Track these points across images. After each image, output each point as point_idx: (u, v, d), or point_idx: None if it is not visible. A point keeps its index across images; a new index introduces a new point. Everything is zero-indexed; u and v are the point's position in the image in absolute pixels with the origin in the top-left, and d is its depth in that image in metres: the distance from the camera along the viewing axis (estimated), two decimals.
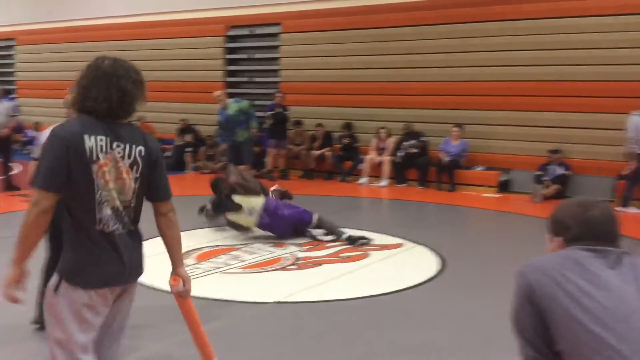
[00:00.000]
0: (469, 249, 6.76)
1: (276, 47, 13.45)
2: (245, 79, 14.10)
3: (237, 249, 6.37)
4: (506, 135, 10.90)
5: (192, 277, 5.25)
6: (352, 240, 6.63)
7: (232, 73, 14.28)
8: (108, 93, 2.35)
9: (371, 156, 11.45)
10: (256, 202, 6.66)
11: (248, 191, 6.77)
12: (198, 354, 2.97)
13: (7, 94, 16.78)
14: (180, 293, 2.74)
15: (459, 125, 10.90)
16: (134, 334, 4.09)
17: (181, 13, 15.13)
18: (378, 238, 6.93)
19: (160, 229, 2.64)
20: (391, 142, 11.39)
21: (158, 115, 14.63)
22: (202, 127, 13.63)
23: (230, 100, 10.82)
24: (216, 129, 12.59)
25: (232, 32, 14.17)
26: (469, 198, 10.08)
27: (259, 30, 13.81)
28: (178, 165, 12.94)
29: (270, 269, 5.74)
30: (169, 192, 2.62)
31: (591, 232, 1.87)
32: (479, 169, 10.99)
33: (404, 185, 11.21)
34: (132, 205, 2.49)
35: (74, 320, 2.37)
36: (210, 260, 5.94)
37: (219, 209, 6.88)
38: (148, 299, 4.89)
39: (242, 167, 10.93)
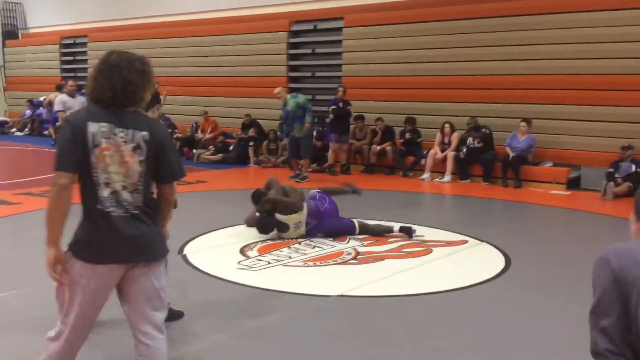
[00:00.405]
0: (535, 247, 6.57)
1: (339, 41, 13.45)
2: (308, 74, 14.17)
3: (298, 242, 6.41)
4: (576, 131, 10.54)
5: (255, 270, 5.41)
6: (407, 230, 6.65)
7: (295, 68, 14.38)
8: (112, 83, 2.54)
9: (434, 151, 11.29)
10: (300, 216, 6.50)
11: (290, 208, 6.48)
12: None
13: (59, 89, 17.49)
14: None
15: (526, 119, 10.61)
16: (195, 323, 4.20)
17: (247, 9, 15.36)
18: (441, 235, 6.84)
19: (158, 205, 2.78)
20: (455, 137, 11.20)
21: (224, 110, 14.93)
22: (265, 121, 13.80)
23: (288, 96, 10.90)
24: (279, 124, 12.71)
25: (295, 27, 14.26)
26: (536, 195, 9.80)
27: (322, 25, 13.85)
28: (241, 159, 13.15)
29: (332, 262, 5.76)
30: (176, 176, 2.76)
31: None
32: (548, 165, 10.68)
33: (467, 181, 11.01)
34: (140, 187, 2.62)
35: (72, 289, 2.60)
36: (272, 252, 6.01)
37: (266, 229, 6.52)
38: (211, 288, 5.00)
39: (301, 161, 11.04)
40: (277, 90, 11.02)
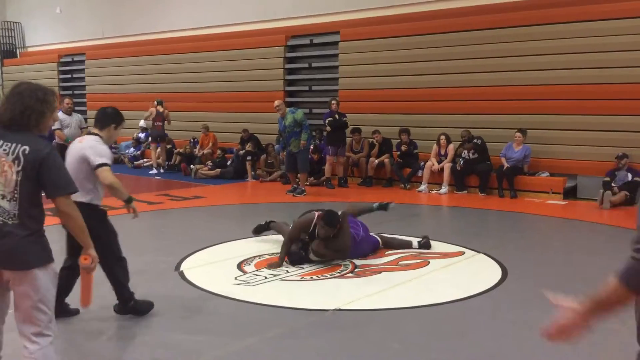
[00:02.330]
0: (532, 257, 6.59)
1: (335, 55, 13.54)
2: (305, 88, 14.25)
3: None
4: (572, 140, 10.59)
5: (252, 285, 5.42)
6: (425, 246, 6.62)
7: (291, 82, 14.46)
8: (13, 107, 2.89)
9: (430, 163, 11.33)
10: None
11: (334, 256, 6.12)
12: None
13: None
14: (88, 269, 3.20)
15: (521, 130, 10.66)
16: (192, 340, 4.20)
17: (243, 25, 15.46)
18: (438, 246, 6.85)
19: (61, 222, 3.07)
20: (451, 148, 11.25)
21: (221, 125, 14.99)
22: (262, 135, 13.85)
23: (287, 110, 10.94)
24: (277, 137, 12.76)
25: (292, 42, 14.36)
26: (533, 205, 9.83)
27: (318, 39, 13.95)
28: (239, 174, 13.18)
29: (329, 276, 5.77)
30: (60, 191, 2.92)
31: None
32: (544, 174, 10.72)
33: (464, 192, 11.04)
34: (17, 197, 2.85)
35: None
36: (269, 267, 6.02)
37: (294, 262, 6.12)
38: (208, 304, 5.01)
39: (299, 175, 11.06)
40: (276, 103, 11.06)
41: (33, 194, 2.88)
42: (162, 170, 14.33)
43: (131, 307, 4.56)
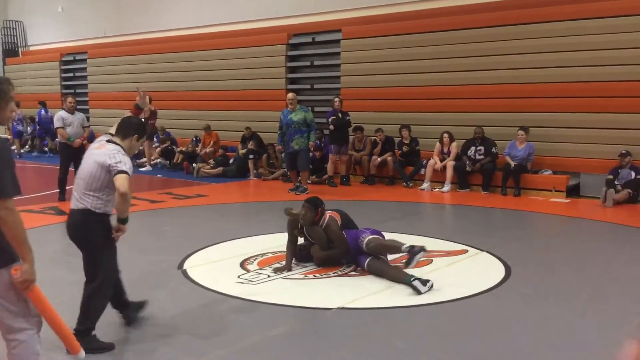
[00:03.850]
0: (535, 255, 6.57)
1: (337, 53, 13.52)
2: (307, 86, 14.24)
3: None
4: (575, 138, 10.56)
5: (254, 283, 5.40)
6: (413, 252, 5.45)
7: (293, 80, 14.44)
8: None
9: (433, 161, 11.31)
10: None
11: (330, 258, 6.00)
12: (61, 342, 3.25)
13: (44, 106, 18.02)
14: (18, 283, 2.88)
15: (524, 128, 10.64)
16: (194, 338, 4.19)
17: (245, 23, 15.46)
18: (441, 245, 6.83)
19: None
20: (454, 146, 11.23)
21: (223, 124, 14.99)
22: (264, 134, 13.85)
23: (298, 106, 10.96)
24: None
25: (294, 40, 14.34)
26: (536, 203, 9.81)
27: (320, 38, 13.93)
28: (241, 172, 13.18)
29: (332, 274, 5.75)
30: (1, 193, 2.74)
31: None
32: (547, 172, 10.69)
33: (467, 190, 11.02)
34: None
35: None
36: (273, 266, 6.01)
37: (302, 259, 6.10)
38: (211, 303, 4.99)
39: (301, 173, 11.06)
40: (291, 95, 11.06)
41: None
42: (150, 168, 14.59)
43: (82, 343, 3.46)
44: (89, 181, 3.94)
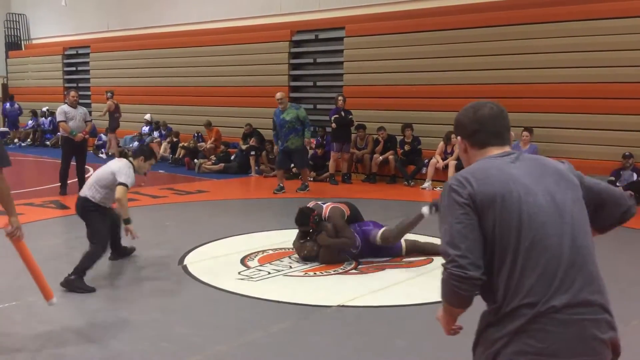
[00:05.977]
0: None
1: (340, 51, 13.49)
2: (309, 84, 14.21)
3: None
4: (578, 139, 10.54)
5: (255, 280, 5.40)
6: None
7: (296, 77, 14.42)
8: None
9: (435, 160, 11.30)
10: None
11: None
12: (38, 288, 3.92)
13: (11, 99, 18.76)
14: (9, 234, 3.56)
15: (528, 128, 10.61)
16: (194, 334, 4.19)
17: (248, 19, 15.43)
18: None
19: None
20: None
21: (225, 120, 14.98)
22: (266, 131, 13.83)
23: (289, 105, 10.82)
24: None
25: (297, 37, 14.32)
26: None
27: (323, 35, 13.90)
28: (242, 169, 13.17)
29: (332, 272, 5.75)
30: None
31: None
32: None
33: None
34: None
35: None
36: (273, 263, 6.01)
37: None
38: (211, 299, 4.99)
39: (301, 172, 11.00)
40: (279, 95, 10.69)
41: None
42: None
43: (71, 280, 4.97)
44: (100, 177, 5.33)
